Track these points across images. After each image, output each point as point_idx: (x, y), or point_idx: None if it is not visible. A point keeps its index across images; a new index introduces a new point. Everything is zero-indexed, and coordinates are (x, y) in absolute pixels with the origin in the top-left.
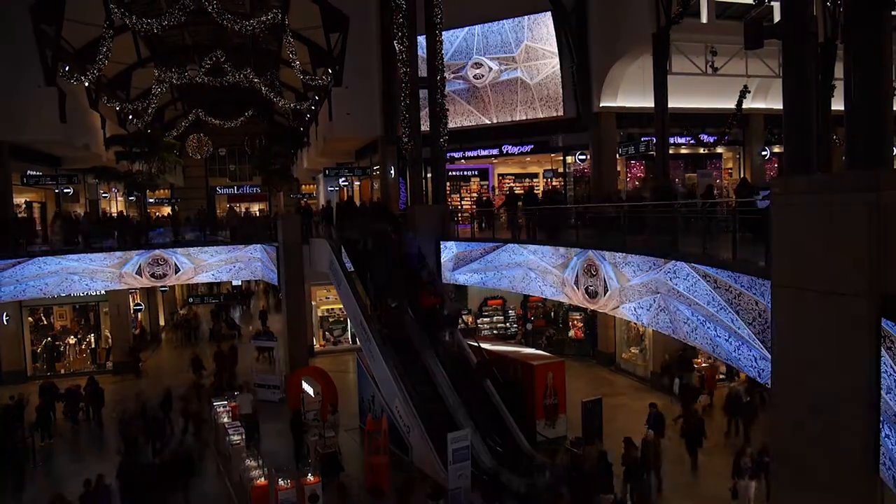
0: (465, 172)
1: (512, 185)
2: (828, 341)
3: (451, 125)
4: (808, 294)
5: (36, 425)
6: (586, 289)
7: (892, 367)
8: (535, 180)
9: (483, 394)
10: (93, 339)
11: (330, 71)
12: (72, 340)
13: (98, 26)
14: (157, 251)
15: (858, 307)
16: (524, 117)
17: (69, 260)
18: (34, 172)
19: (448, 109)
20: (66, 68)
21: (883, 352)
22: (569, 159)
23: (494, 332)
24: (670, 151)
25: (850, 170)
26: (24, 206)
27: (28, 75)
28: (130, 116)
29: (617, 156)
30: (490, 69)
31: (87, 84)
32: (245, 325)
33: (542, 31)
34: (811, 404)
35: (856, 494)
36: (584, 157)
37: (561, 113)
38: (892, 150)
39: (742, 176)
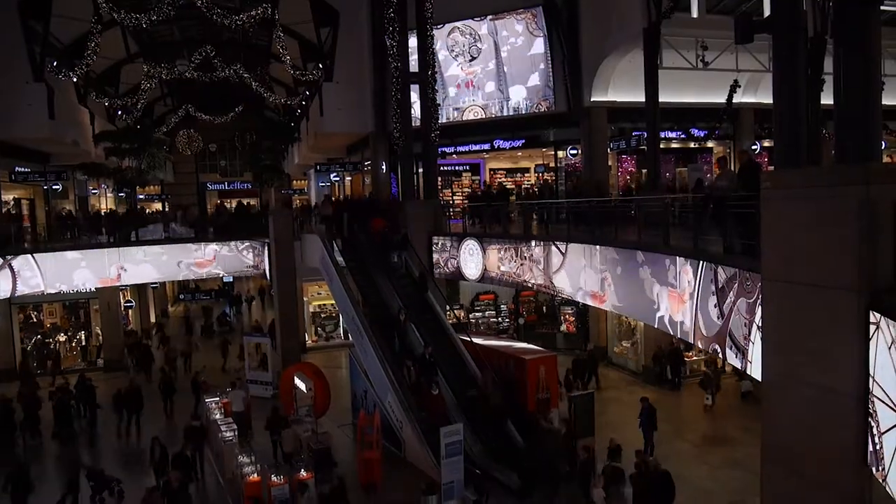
0: (457, 167)
1: (503, 179)
2: (817, 335)
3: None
4: (797, 288)
5: (23, 424)
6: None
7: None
8: (526, 175)
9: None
10: (83, 337)
11: (321, 66)
12: (62, 338)
13: (86, 21)
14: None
15: (847, 300)
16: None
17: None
18: (22, 169)
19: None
20: (55, 64)
21: (872, 345)
22: (560, 154)
23: (487, 326)
24: (661, 146)
25: (840, 164)
26: (12, 202)
27: (16, 71)
28: (119, 112)
29: (608, 150)
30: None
31: (75, 80)
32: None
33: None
34: (801, 398)
35: (846, 488)
36: (575, 151)
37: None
38: (881, 144)
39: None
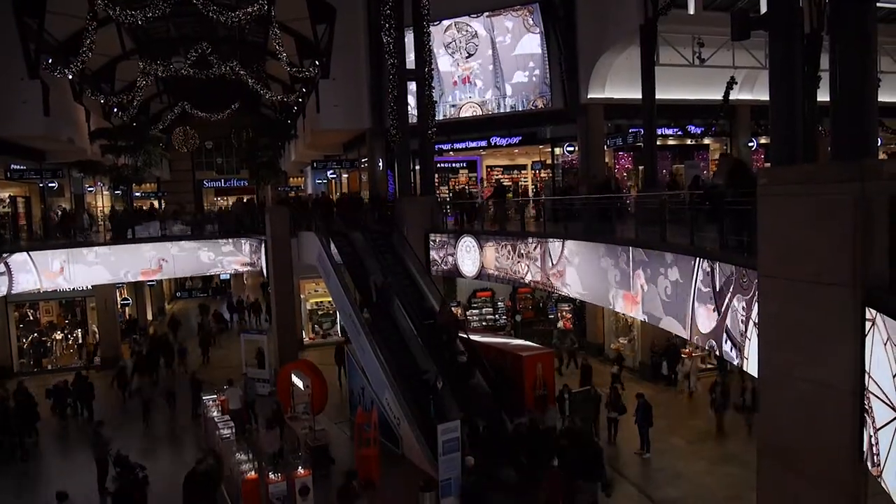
0: (454, 164)
1: (500, 176)
2: (813, 331)
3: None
4: (793, 284)
5: (21, 422)
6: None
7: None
8: (523, 172)
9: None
10: (80, 335)
11: (317, 63)
12: (59, 336)
13: (81, 18)
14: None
15: (843, 296)
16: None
17: (59, 254)
18: (18, 167)
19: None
20: (50, 61)
21: (867, 341)
22: (557, 151)
23: (484, 323)
24: (658, 143)
25: (836, 161)
26: (7, 200)
27: (11, 68)
28: (115, 109)
29: (605, 147)
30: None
31: (70, 77)
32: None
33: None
34: (797, 394)
35: (842, 483)
36: (572, 148)
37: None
38: (877, 141)
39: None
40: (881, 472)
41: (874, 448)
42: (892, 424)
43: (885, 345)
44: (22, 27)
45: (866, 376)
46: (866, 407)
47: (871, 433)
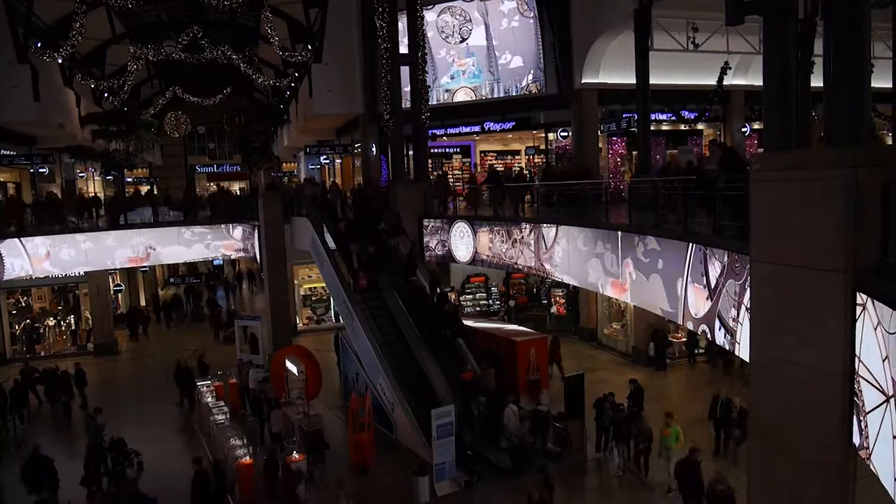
0: (447, 149)
1: (493, 162)
2: (805, 316)
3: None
4: (786, 269)
5: (11, 408)
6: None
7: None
8: (517, 157)
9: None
10: (73, 321)
11: (310, 47)
12: (51, 322)
13: (71, 1)
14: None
15: (835, 282)
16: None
17: (51, 240)
18: (8, 152)
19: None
20: (39, 45)
21: (858, 325)
22: (550, 136)
23: (477, 309)
24: (651, 128)
25: (828, 147)
26: None
27: (0, 53)
28: (106, 94)
29: (598, 132)
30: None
31: (60, 61)
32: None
33: None
34: (789, 378)
35: (832, 466)
36: (565, 133)
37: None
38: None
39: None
40: (870, 455)
41: (863, 431)
42: (882, 408)
43: (876, 329)
44: (10, 11)
45: (857, 360)
46: (856, 391)
47: (861, 417)
